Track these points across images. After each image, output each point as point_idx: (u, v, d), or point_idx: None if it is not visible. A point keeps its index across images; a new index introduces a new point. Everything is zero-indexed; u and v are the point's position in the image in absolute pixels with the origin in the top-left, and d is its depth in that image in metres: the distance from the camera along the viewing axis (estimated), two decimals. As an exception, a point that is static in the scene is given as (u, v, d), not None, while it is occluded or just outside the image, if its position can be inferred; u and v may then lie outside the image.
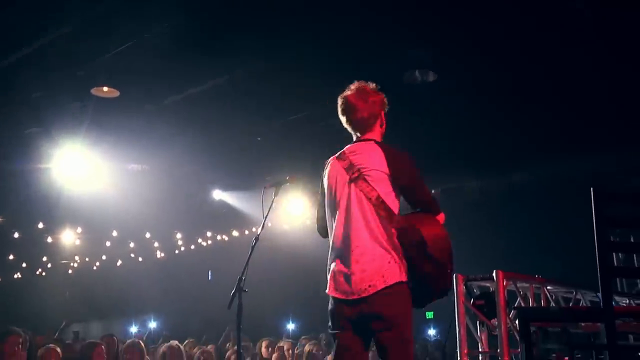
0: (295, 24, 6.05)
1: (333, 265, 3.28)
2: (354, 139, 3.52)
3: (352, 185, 3.31)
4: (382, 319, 3.13)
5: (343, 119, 3.53)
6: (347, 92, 3.55)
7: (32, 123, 8.28)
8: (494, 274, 4.22)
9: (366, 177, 3.29)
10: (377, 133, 3.54)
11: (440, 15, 5.89)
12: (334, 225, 3.34)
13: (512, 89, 7.30)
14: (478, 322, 4.56)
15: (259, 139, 9.04)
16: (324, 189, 3.48)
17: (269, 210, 4.05)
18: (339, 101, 3.55)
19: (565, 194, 9.37)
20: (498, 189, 10.76)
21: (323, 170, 3.51)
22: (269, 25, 6.09)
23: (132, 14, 6.00)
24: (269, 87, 7.33)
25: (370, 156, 3.36)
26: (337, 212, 3.34)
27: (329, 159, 3.51)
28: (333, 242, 3.33)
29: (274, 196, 4.13)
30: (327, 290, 3.31)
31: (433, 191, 12.00)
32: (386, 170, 3.31)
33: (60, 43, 6.39)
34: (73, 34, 6.22)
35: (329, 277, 3.31)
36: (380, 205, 3.24)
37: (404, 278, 3.16)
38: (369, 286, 3.13)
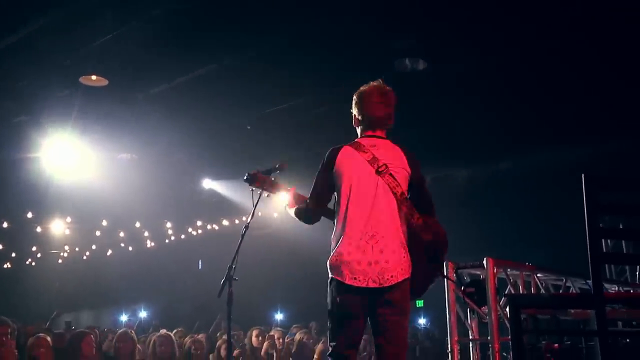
0: (284, 12, 6.02)
1: (349, 252, 3.30)
2: (367, 132, 3.64)
3: (379, 177, 3.42)
4: (396, 307, 3.31)
5: (369, 112, 3.64)
6: (377, 88, 3.67)
7: (20, 112, 8.22)
8: (484, 262, 4.24)
9: (392, 172, 3.43)
10: (385, 132, 3.69)
11: (430, 3, 5.89)
12: (354, 211, 3.38)
13: (499, 79, 7.32)
14: (468, 310, 4.57)
15: (248, 127, 9.01)
16: (334, 173, 3.50)
17: (258, 199, 4.03)
18: (374, 92, 3.66)
19: (554, 182, 9.42)
20: (486, 177, 10.80)
21: (331, 155, 3.54)
22: (257, 13, 6.06)
23: (120, 2, 5.96)
24: (258, 75, 7.31)
25: (393, 153, 3.52)
26: (361, 201, 3.39)
27: (338, 147, 3.57)
28: (350, 229, 3.35)
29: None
30: (338, 277, 3.32)
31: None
32: (408, 168, 3.50)
33: (47, 31, 6.34)
34: (60, 23, 6.17)
35: (340, 262, 3.31)
36: (403, 201, 3.41)
37: (410, 274, 3.37)
38: (391, 276, 3.27)
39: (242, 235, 3.99)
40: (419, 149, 9.84)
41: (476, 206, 10.94)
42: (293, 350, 7.34)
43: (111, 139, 9.14)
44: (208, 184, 11.30)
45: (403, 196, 3.41)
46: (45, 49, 6.72)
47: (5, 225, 14.00)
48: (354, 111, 3.70)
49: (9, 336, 5.32)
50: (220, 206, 12.41)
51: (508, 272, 4.53)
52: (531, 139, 8.96)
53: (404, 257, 3.34)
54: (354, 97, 3.72)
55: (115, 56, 6.85)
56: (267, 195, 3.94)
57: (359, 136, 3.69)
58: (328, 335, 3.50)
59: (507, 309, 4.34)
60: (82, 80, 7.37)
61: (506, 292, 4.50)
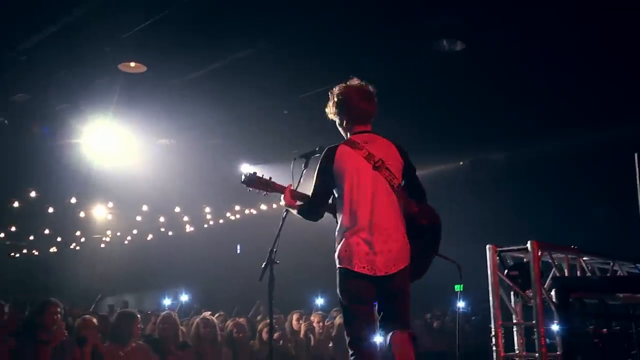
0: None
1: (362, 245, 3.53)
2: (357, 128, 3.84)
3: (377, 172, 3.66)
4: (402, 292, 3.61)
5: (362, 106, 3.84)
6: (363, 85, 3.88)
7: (62, 100, 8.35)
8: (528, 245, 4.15)
9: (388, 166, 3.67)
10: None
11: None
12: (358, 207, 3.60)
13: (539, 59, 7.16)
14: (512, 293, 4.50)
15: (285, 112, 9.00)
16: (334, 172, 3.69)
17: (299, 182, 4.03)
18: (362, 88, 3.87)
19: (596, 163, 9.22)
20: (527, 159, 10.63)
21: (329, 155, 3.72)
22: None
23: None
24: (294, 59, 7.27)
25: (386, 147, 3.76)
26: (362, 196, 3.62)
27: (335, 146, 3.76)
28: (356, 222, 3.58)
29: (304, 167, 4.11)
30: (348, 266, 3.53)
31: (462, 162, 11.91)
32: (400, 160, 3.75)
33: (86, 20, 6.41)
34: (98, 11, 6.23)
35: (350, 253, 3.53)
36: (400, 193, 3.69)
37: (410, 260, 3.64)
38: (394, 265, 3.54)
39: (283, 219, 4.00)
40: (457, 132, 9.76)
41: (517, 189, 10.80)
42: (333, 334, 7.36)
43: (150, 125, 9.24)
44: (246, 168, 11.33)
45: (399, 187, 3.69)
46: (84, 38, 6.80)
47: (50, 210, 14.34)
48: (339, 110, 3.86)
49: (58, 316, 5.47)
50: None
51: (553, 256, 4.44)
52: (573, 119, 8.76)
53: (405, 245, 3.61)
54: (338, 97, 3.88)
55: (153, 43, 6.89)
56: (265, 194, 4.05)
57: (346, 134, 3.88)
58: (345, 328, 3.65)
59: (553, 293, 4.28)
60: (121, 67, 7.44)
61: (551, 275, 4.42)
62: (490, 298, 4.30)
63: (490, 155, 11.34)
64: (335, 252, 3.66)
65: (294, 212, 3.90)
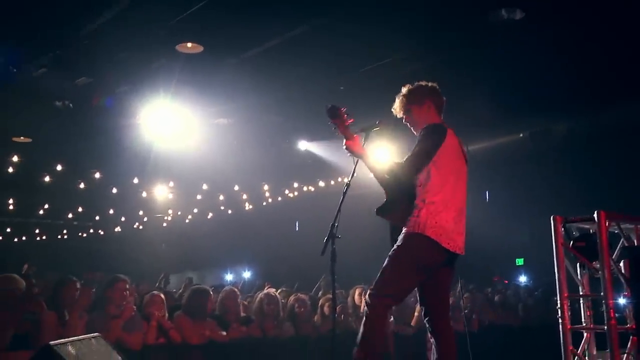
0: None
1: (450, 223, 3.80)
2: (440, 120, 4.15)
3: (464, 163, 4.03)
4: (452, 270, 4.01)
5: (442, 101, 4.23)
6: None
7: (122, 82, 8.54)
8: (595, 215, 4.04)
9: (467, 161, 4.06)
10: None
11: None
12: (454, 188, 3.88)
13: (603, 24, 6.88)
14: (578, 265, 4.40)
15: (341, 88, 8.96)
16: (443, 149, 3.87)
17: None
18: (436, 86, 4.22)
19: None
20: (589, 129, 10.32)
21: (442, 133, 3.92)
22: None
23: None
24: (348, 35, 7.21)
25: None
26: (459, 180, 3.93)
27: (444, 126, 4.00)
28: (451, 203, 3.84)
29: (365, 141, 4.11)
30: (435, 237, 3.73)
31: (522, 135, 11.65)
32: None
33: (144, 2, 6.52)
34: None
35: (440, 228, 3.76)
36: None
37: None
38: (463, 247, 3.90)
39: (344, 194, 4.01)
40: (516, 104, 9.52)
41: (579, 160, 10.52)
42: (394, 308, 7.35)
43: (208, 105, 9.36)
44: (304, 145, 11.34)
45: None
46: (143, 20, 6.92)
47: (114, 191, 14.78)
48: (428, 97, 4.13)
49: (127, 292, 5.66)
50: (316, 167, 12.49)
51: (621, 226, 4.30)
52: (637, 87, 8.42)
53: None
54: (425, 85, 4.18)
55: (209, 22, 6.95)
56: (334, 129, 4.16)
57: (426, 122, 4.06)
58: (389, 281, 3.79)
59: (622, 264, 4.17)
60: (179, 48, 7.54)
61: (619, 246, 4.29)
62: (556, 270, 4.21)
63: (551, 126, 11.05)
64: (416, 217, 3.81)
65: (370, 164, 4.02)
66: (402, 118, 4.21)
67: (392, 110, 4.24)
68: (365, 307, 3.79)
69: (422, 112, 4.12)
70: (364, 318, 3.79)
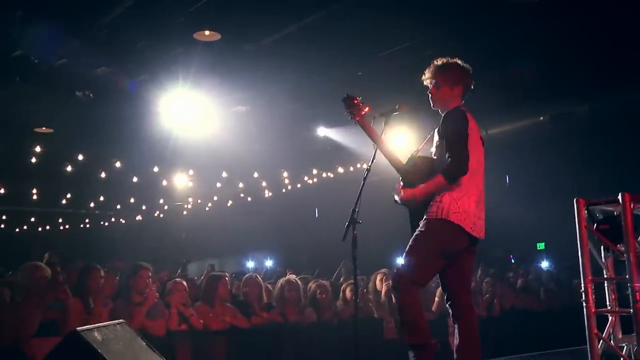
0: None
1: (472, 208, 3.83)
2: (461, 102, 4.07)
3: (483, 147, 4.01)
4: (474, 253, 4.02)
5: (471, 85, 4.13)
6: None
7: (141, 71, 8.57)
8: (619, 197, 3.98)
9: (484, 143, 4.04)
10: None
11: None
12: (475, 173, 3.87)
13: (624, 4, 6.77)
14: (602, 248, 4.35)
15: (359, 73, 8.92)
16: (471, 135, 3.85)
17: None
18: (470, 69, 4.11)
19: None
20: (611, 110, 10.19)
21: (466, 118, 3.88)
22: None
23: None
24: (367, 19, 7.17)
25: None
26: (479, 164, 3.93)
27: (464, 111, 3.94)
28: (472, 187, 3.85)
29: (384, 125, 4.10)
30: (458, 222, 3.77)
31: (542, 118, 11.54)
32: None
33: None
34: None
35: (463, 212, 3.79)
36: None
37: None
38: (483, 231, 3.93)
39: (364, 179, 4.01)
40: (535, 87, 9.37)
41: (601, 142, 10.40)
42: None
43: (227, 93, 9.37)
44: (322, 131, 11.31)
45: None
46: (160, 8, 6.93)
47: (135, 179, 14.89)
48: (457, 78, 4.03)
49: (150, 279, 5.72)
50: (335, 153, 12.48)
51: (646, 208, 4.24)
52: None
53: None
54: (458, 67, 4.05)
55: (226, 10, 6.94)
56: (351, 119, 4.22)
57: (448, 104, 4.01)
58: (414, 266, 3.80)
59: (647, 246, 4.11)
60: (196, 36, 7.55)
61: (645, 228, 4.23)
62: (580, 253, 4.17)
63: (572, 109, 10.92)
64: (439, 203, 3.81)
65: (428, 192, 3.91)
66: (426, 87, 4.12)
67: (422, 76, 4.12)
68: (394, 295, 3.80)
69: (450, 94, 4.04)
70: (397, 307, 3.82)
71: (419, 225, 3.89)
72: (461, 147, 3.78)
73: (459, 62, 4.08)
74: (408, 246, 3.88)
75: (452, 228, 3.78)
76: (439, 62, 4.07)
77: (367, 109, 4.19)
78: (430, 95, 4.11)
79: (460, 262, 3.94)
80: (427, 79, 4.08)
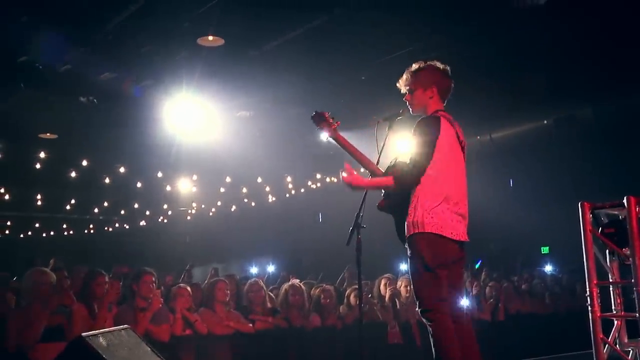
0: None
1: (448, 214, 3.75)
2: (440, 106, 4.01)
3: (463, 152, 3.93)
4: (464, 259, 3.93)
5: (449, 85, 4.05)
6: (446, 67, 4.06)
7: (145, 76, 8.60)
8: (624, 201, 3.98)
9: (464, 148, 3.96)
10: None
11: None
12: (448, 179, 3.80)
13: (628, 8, 6.76)
14: (607, 252, 4.34)
15: (362, 78, 8.93)
16: (441, 140, 3.79)
17: (383, 145, 4.03)
18: (447, 69, 4.04)
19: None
20: (615, 114, 10.18)
21: (436, 125, 3.82)
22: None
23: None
24: (371, 23, 7.18)
25: (461, 130, 3.98)
26: (455, 170, 3.85)
27: (437, 118, 3.87)
28: (446, 194, 3.77)
29: (388, 130, 4.10)
30: (441, 231, 3.70)
31: (545, 121, 11.53)
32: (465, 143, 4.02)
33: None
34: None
35: (442, 223, 3.72)
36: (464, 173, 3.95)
37: None
38: (467, 234, 3.86)
39: (370, 185, 3.99)
40: (539, 90, 9.34)
41: (605, 145, 10.37)
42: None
43: (230, 98, 9.38)
44: (326, 136, 11.30)
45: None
46: (164, 14, 6.95)
47: (139, 185, 14.91)
48: (428, 82, 3.96)
49: (154, 284, 5.72)
50: (339, 158, 12.44)
51: (652, 211, 4.22)
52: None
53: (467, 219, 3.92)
54: (427, 70, 4.00)
55: (229, 15, 6.96)
56: (327, 138, 4.35)
57: (426, 108, 3.98)
58: (425, 294, 3.74)
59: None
60: (200, 41, 7.57)
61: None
62: (585, 257, 4.16)
63: (576, 112, 10.91)
64: (413, 217, 3.76)
65: (375, 182, 4.02)
66: (404, 94, 4.09)
67: (397, 83, 4.11)
68: (429, 328, 3.69)
69: (424, 97, 3.99)
70: (430, 336, 3.70)
71: (404, 233, 3.86)
72: (419, 155, 3.77)
73: (436, 64, 4.03)
74: (410, 279, 3.90)
75: (433, 239, 3.71)
76: (413, 67, 4.05)
77: (337, 123, 4.32)
78: (407, 101, 4.09)
79: (461, 261, 3.92)
80: (402, 86, 4.06)
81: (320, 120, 4.30)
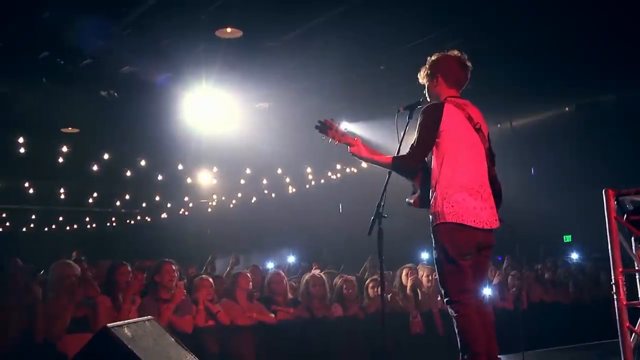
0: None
1: (467, 200, 3.71)
2: (451, 93, 3.98)
3: (478, 134, 3.87)
4: (491, 247, 3.88)
5: (462, 73, 4.02)
6: (456, 53, 4.04)
7: (165, 69, 8.63)
8: (650, 187, 3.92)
9: (482, 129, 3.91)
10: None
11: None
12: (465, 165, 3.77)
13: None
14: (633, 239, 4.28)
15: (382, 67, 8.89)
16: (442, 128, 3.80)
17: (403, 134, 4.02)
18: (462, 57, 4.03)
19: None
20: (637, 100, 10.03)
21: (437, 112, 3.83)
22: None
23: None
24: (390, 13, 7.13)
25: (477, 112, 3.95)
26: (472, 154, 3.82)
27: (441, 104, 3.88)
28: (464, 180, 3.75)
29: (408, 119, 4.08)
30: (462, 220, 3.67)
31: (567, 108, 11.40)
32: (486, 126, 3.98)
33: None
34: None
35: (463, 211, 3.68)
36: (488, 155, 3.92)
37: None
38: (495, 220, 3.81)
39: (389, 173, 3.99)
40: (560, 77, 9.23)
41: (629, 131, 10.23)
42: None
43: (249, 89, 9.39)
44: (345, 126, 11.29)
45: (489, 150, 3.93)
46: (182, 6, 6.97)
47: (160, 178, 15.01)
48: (438, 72, 3.98)
49: (176, 275, 5.76)
50: (360, 148, 12.40)
51: (679, 197, 4.16)
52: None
53: (494, 204, 3.85)
54: (438, 61, 4.01)
55: (247, 6, 6.95)
56: (336, 144, 4.22)
57: (438, 97, 3.98)
58: (449, 285, 3.74)
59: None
60: (218, 33, 7.58)
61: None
62: (609, 245, 4.10)
63: (598, 98, 10.77)
64: (433, 207, 3.77)
65: (378, 163, 4.01)
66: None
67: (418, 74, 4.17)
68: (454, 319, 3.69)
69: (433, 88, 4.04)
70: (455, 327, 3.70)
71: None
72: (418, 142, 3.81)
73: (449, 52, 4.05)
74: (435, 266, 3.88)
75: (455, 228, 3.69)
76: (428, 60, 4.09)
77: (345, 128, 4.30)
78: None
79: (482, 253, 3.85)
80: (421, 79, 4.12)
81: (323, 129, 4.26)
